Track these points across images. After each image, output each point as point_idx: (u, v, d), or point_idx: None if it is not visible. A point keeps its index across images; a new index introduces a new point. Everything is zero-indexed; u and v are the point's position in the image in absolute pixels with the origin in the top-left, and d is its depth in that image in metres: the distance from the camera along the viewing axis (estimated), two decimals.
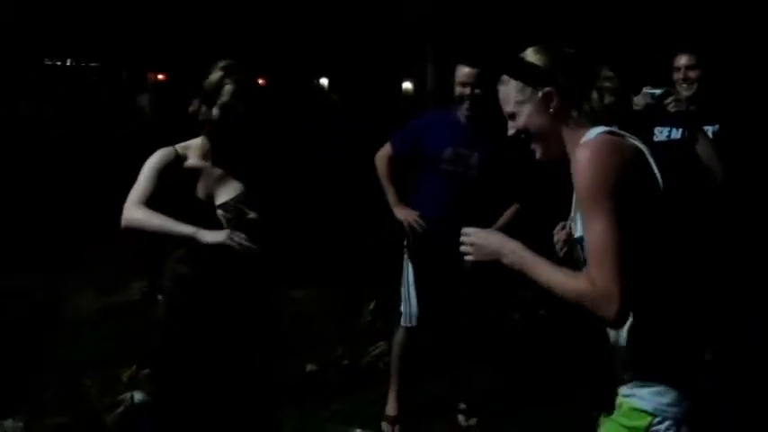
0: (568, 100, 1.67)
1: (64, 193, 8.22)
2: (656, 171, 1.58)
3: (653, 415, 1.55)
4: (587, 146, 1.57)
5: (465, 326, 3.53)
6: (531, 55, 1.71)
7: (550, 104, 1.67)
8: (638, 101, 3.13)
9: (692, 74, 3.28)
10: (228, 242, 2.17)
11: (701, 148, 3.07)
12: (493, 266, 1.65)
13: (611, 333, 1.65)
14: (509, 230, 3.39)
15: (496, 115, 3.46)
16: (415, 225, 3.41)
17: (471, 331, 3.56)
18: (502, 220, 3.41)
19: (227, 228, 2.29)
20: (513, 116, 1.74)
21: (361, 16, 14.52)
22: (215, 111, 2.33)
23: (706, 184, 3.02)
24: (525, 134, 1.73)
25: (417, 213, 3.43)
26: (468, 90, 3.31)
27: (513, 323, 4.70)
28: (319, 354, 4.27)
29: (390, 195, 3.55)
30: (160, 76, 19.75)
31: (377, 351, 4.25)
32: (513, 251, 1.62)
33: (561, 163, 1.65)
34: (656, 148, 3.39)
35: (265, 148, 2.61)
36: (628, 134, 1.62)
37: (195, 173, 2.40)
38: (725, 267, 2.72)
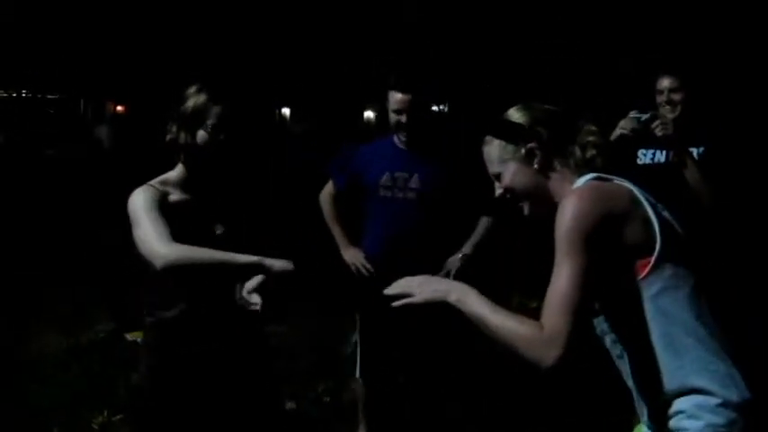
0: (552, 155, 1.67)
1: (18, 229, 7.91)
2: (650, 213, 1.55)
3: None
4: (574, 192, 1.57)
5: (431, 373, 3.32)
6: (512, 113, 1.73)
7: (534, 160, 1.68)
8: (625, 125, 3.11)
9: (676, 96, 3.26)
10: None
11: (689, 172, 3.05)
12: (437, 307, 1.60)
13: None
14: (488, 245, 3.29)
15: (437, 136, 3.38)
16: (362, 269, 3.28)
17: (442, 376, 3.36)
18: (474, 237, 3.25)
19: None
20: (498, 176, 1.74)
21: (323, 44, 14.54)
22: (200, 136, 2.18)
23: (695, 206, 2.99)
24: (511, 193, 1.72)
25: (363, 255, 3.30)
26: (403, 117, 3.14)
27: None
28: (299, 390, 4.11)
29: (339, 238, 3.42)
30: (119, 108, 19.44)
31: None
32: (461, 289, 1.60)
33: (551, 218, 1.60)
34: (641, 170, 3.39)
35: (247, 175, 2.49)
36: (618, 178, 1.61)
37: (183, 206, 2.21)
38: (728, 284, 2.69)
